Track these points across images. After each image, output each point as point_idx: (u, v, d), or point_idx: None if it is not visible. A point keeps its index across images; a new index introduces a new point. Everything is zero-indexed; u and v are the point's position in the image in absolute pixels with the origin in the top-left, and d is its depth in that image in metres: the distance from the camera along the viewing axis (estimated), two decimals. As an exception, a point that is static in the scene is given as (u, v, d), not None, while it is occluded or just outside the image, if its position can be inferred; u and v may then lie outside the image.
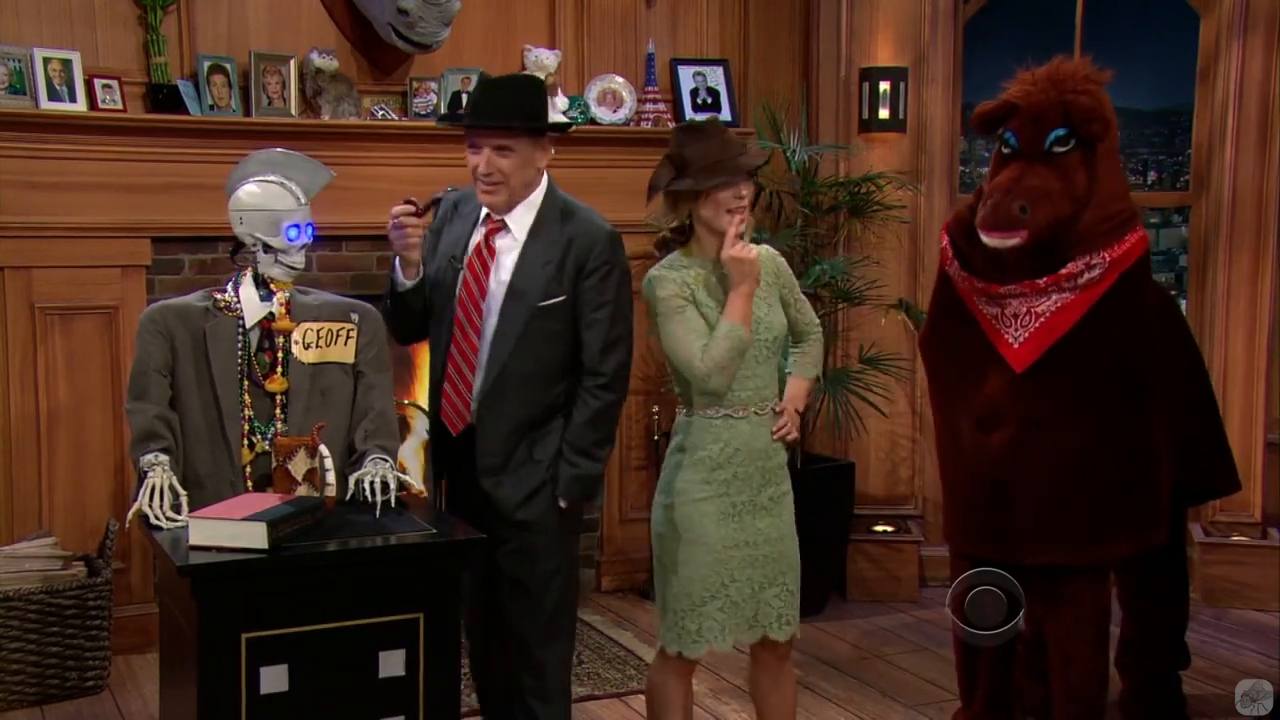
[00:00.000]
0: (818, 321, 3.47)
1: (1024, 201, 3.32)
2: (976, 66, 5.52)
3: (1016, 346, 3.45)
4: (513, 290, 3.26)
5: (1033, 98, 3.42)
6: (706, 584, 3.23)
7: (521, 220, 3.29)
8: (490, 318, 3.27)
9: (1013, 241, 3.35)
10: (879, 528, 5.57)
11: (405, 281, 3.30)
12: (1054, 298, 3.41)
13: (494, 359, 3.26)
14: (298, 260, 3.14)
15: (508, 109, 3.19)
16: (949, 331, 3.65)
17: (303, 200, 3.16)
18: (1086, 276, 3.40)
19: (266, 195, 3.13)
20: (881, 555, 5.50)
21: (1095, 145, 3.40)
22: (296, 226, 3.12)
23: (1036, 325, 3.42)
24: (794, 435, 3.33)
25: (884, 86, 5.44)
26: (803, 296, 3.42)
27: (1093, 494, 3.46)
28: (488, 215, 3.33)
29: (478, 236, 3.33)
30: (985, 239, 3.40)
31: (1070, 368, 3.42)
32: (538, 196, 3.30)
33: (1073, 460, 3.45)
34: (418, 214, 3.25)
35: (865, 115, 5.49)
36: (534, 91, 3.29)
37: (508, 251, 3.29)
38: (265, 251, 3.12)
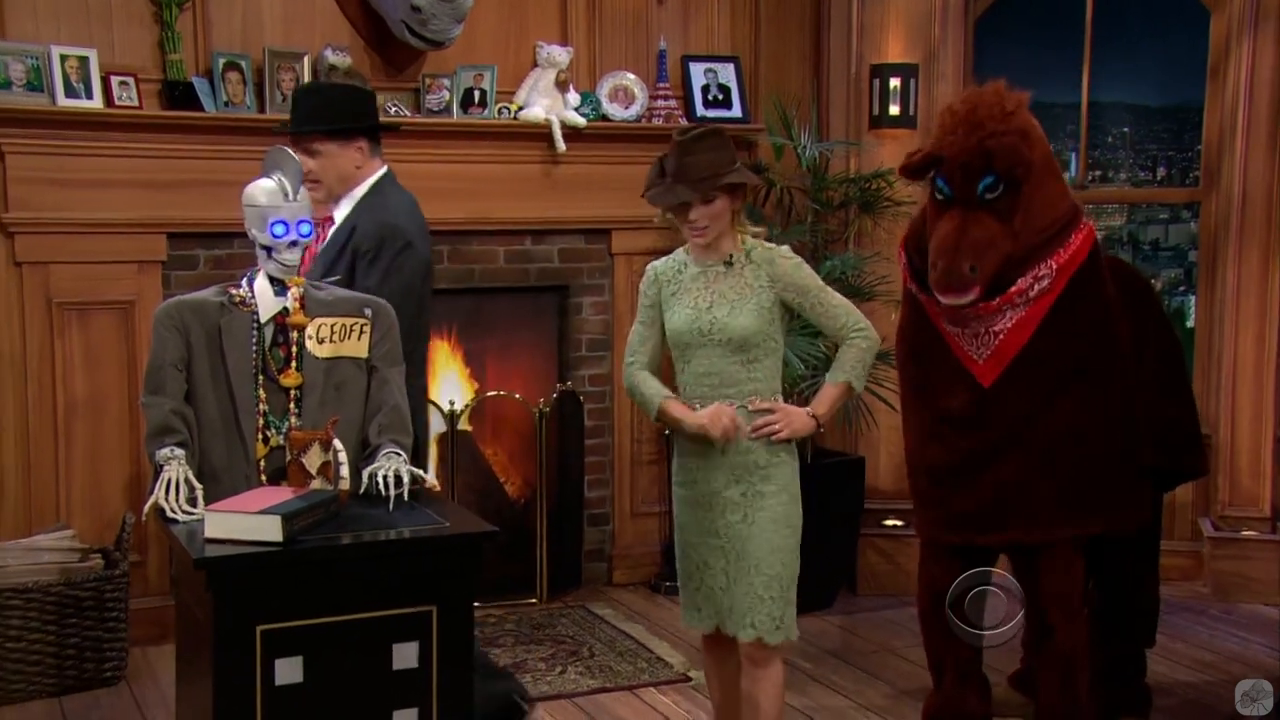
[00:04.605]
0: (856, 324, 3.32)
1: (971, 261, 3.37)
2: (987, 63, 5.51)
3: (981, 363, 3.53)
4: (313, 268, 3.56)
5: (955, 146, 3.41)
6: (684, 564, 3.41)
7: (342, 213, 3.60)
8: None
9: (968, 299, 3.42)
10: (889, 522, 5.58)
11: None
12: (1008, 314, 3.47)
13: None
14: (288, 257, 3.12)
15: (312, 115, 3.52)
16: (917, 339, 3.71)
17: (292, 196, 3.16)
18: (1037, 289, 3.46)
19: (258, 192, 3.13)
20: (891, 549, 5.52)
21: (1021, 184, 3.40)
22: (282, 223, 3.09)
23: (996, 344, 3.50)
24: (775, 433, 3.26)
25: (894, 83, 5.44)
26: (828, 300, 3.31)
27: (1067, 481, 3.53)
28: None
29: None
30: (942, 300, 3.45)
31: (1035, 376, 3.49)
32: (360, 191, 3.59)
33: (1047, 452, 3.52)
34: None
35: (875, 112, 5.49)
36: (339, 96, 3.62)
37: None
38: (260, 247, 3.13)
